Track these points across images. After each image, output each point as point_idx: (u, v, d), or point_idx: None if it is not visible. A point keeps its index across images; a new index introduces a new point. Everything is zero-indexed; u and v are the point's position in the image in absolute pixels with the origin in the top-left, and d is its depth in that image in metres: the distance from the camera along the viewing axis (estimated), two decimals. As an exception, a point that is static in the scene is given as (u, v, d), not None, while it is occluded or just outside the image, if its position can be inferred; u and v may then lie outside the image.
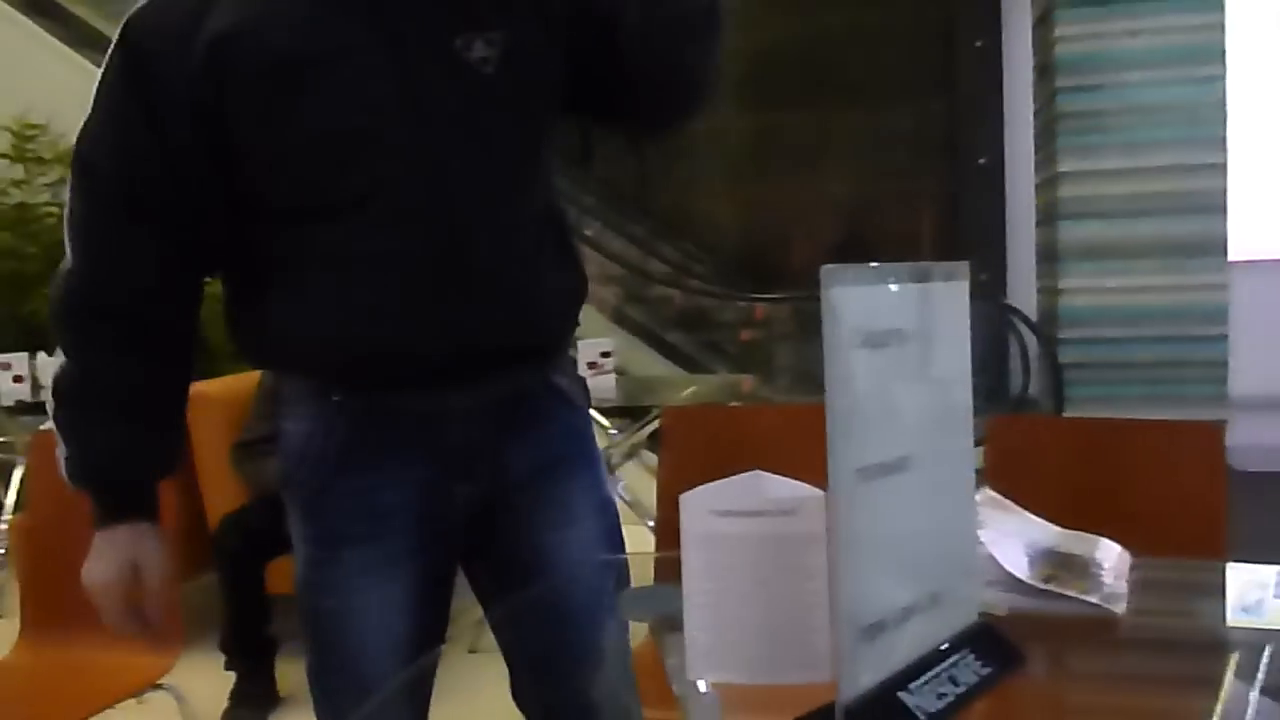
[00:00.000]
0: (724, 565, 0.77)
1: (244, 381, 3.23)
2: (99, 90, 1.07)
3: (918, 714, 0.69)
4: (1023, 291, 5.56)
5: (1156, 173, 4.41)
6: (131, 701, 1.85)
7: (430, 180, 1.05)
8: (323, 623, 1.20)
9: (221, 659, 2.80)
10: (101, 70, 1.07)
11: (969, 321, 0.78)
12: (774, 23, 6.83)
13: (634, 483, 3.04)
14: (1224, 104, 4.38)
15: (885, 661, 0.69)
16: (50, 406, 1.13)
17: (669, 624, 1.04)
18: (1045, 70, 4.74)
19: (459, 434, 1.12)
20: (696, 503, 0.79)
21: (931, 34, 6.66)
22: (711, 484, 0.80)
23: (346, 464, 1.13)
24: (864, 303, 0.67)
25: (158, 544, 1.16)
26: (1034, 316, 4.96)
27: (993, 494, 1.11)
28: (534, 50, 1.11)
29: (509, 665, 1.26)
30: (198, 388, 3.34)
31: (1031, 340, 4.88)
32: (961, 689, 0.72)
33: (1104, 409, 4.27)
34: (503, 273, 1.09)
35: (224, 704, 2.75)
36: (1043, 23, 4.72)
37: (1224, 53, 4.37)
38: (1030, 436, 1.82)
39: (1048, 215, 4.71)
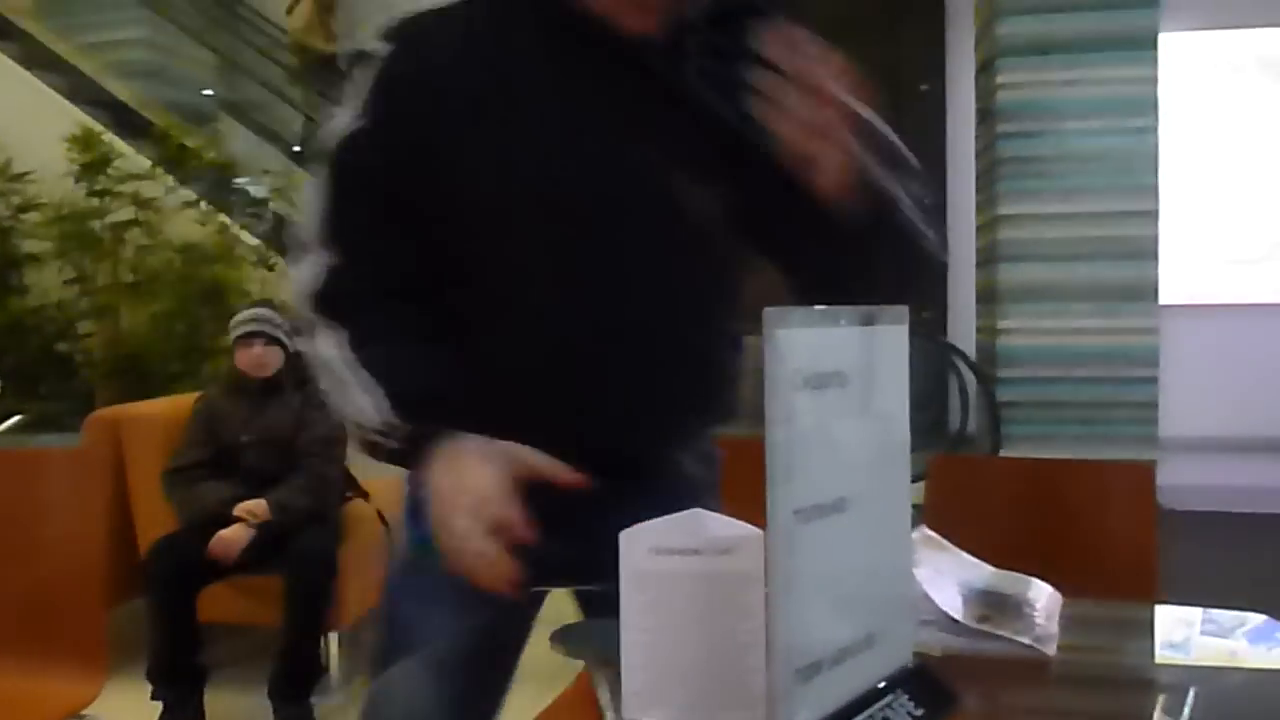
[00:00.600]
0: (662, 603, 0.77)
1: (179, 405, 3.17)
2: (354, 100, 1.08)
3: None
4: (963, 330, 5.66)
5: (1092, 218, 4.53)
6: (53, 733, 1.79)
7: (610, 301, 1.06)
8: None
9: (149, 688, 2.72)
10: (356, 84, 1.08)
11: (908, 364, 0.78)
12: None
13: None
14: (1156, 154, 4.53)
15: (820, 702, 0.69)
16: (338, 361, 1.05)
17: (604, 660, 1.03)
18: (987, 115, 4.86)
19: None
20: (635, 540, 0.79)
21: (878, 76, 6.79)
22: (650, 521, 0.79)
23: None
24: (807, 345, 0.68)
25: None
26: (973, 355, 5.06)
27: (929, 533, 1.13)
28: (748, 202, 1.06)
29: None
30: (131, 409, 3.29)
31: (970, 378, 4.97)
32: None
33: (1039, 447, 4.35)
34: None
35: (150, 734, 2.67)
36: (986, 70, 4.84)
37: (1156, 104, 4.52)
38: (969, 475, 1.84)
39: (988, 256, 4.81)
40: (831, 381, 0.70)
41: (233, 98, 6.13)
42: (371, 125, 1.05)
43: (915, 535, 1.07)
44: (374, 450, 1.05)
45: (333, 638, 2.93)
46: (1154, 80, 4.50)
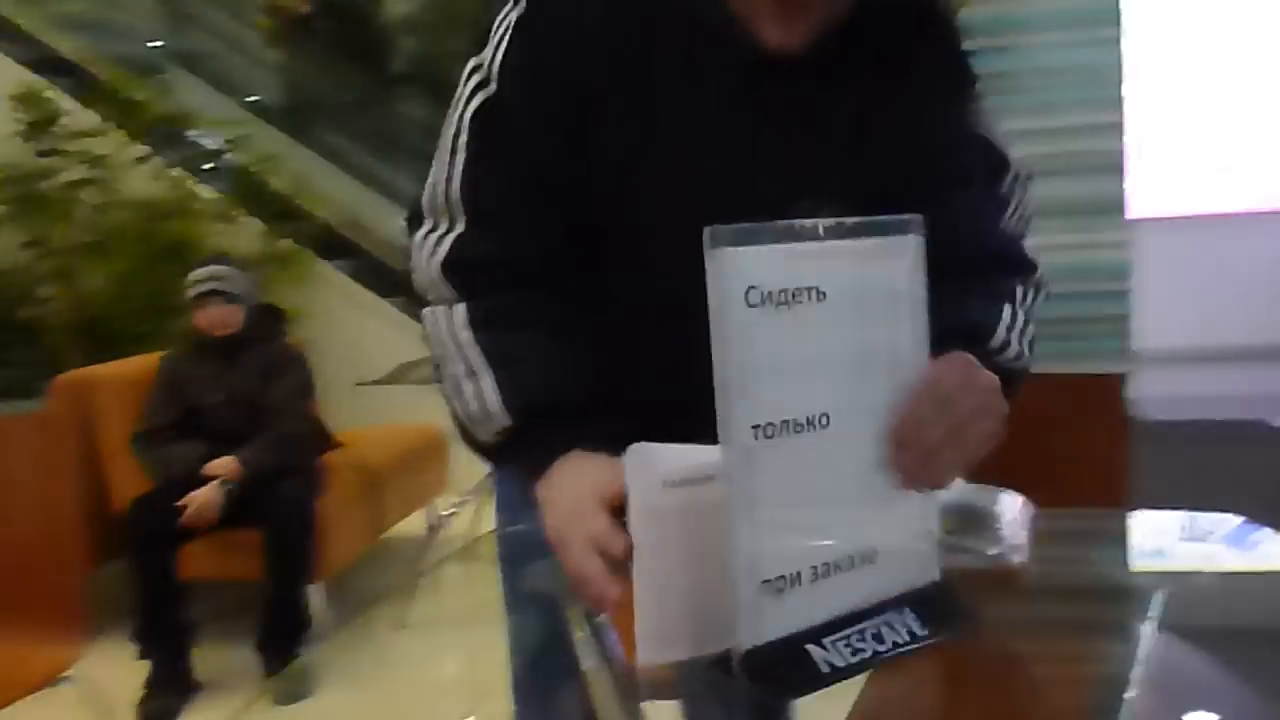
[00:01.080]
0: (674, 539, 0.73)
1: (144, 365, 3.13)
2: (500, 44, 0.98)
3: (821, 666, 0.69)
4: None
5: (1059, 133, 4.49)
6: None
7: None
8: None
9: (135, 648, 2.72)
10: (498, 35, 0.98)
11: (923, 278, 0.75)
12: None
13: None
14: (1121, 65, 4.48)
15: (795, 616, 0.69)
16: (453, 345, 0.96)
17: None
18: (953, 33, 4.79)
19: None
20: (644, 473, 0.74)
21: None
22: (651, 449, 0.75)
23: None
24: (760, 262, 0.67)
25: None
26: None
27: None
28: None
29: None
30: (98, 371, 3.25)
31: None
32: (883, 647, 0.72)
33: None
34: None
35: (139, 694, 2.67)
36: (948, -14, 4.77)
37: (1119, 14, 4.46)
38: None
39: (956, 177, 4.79)
40: (802, 297, 0.68)
41: (182, 48, 5.95)
42: (512, 89, 0.96)
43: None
44: (476, 445, 0.96)
45: (316, 589, 2.93)
46: (1118, -11, 4.43)
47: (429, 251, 0.98)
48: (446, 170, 0.98)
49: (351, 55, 7.15)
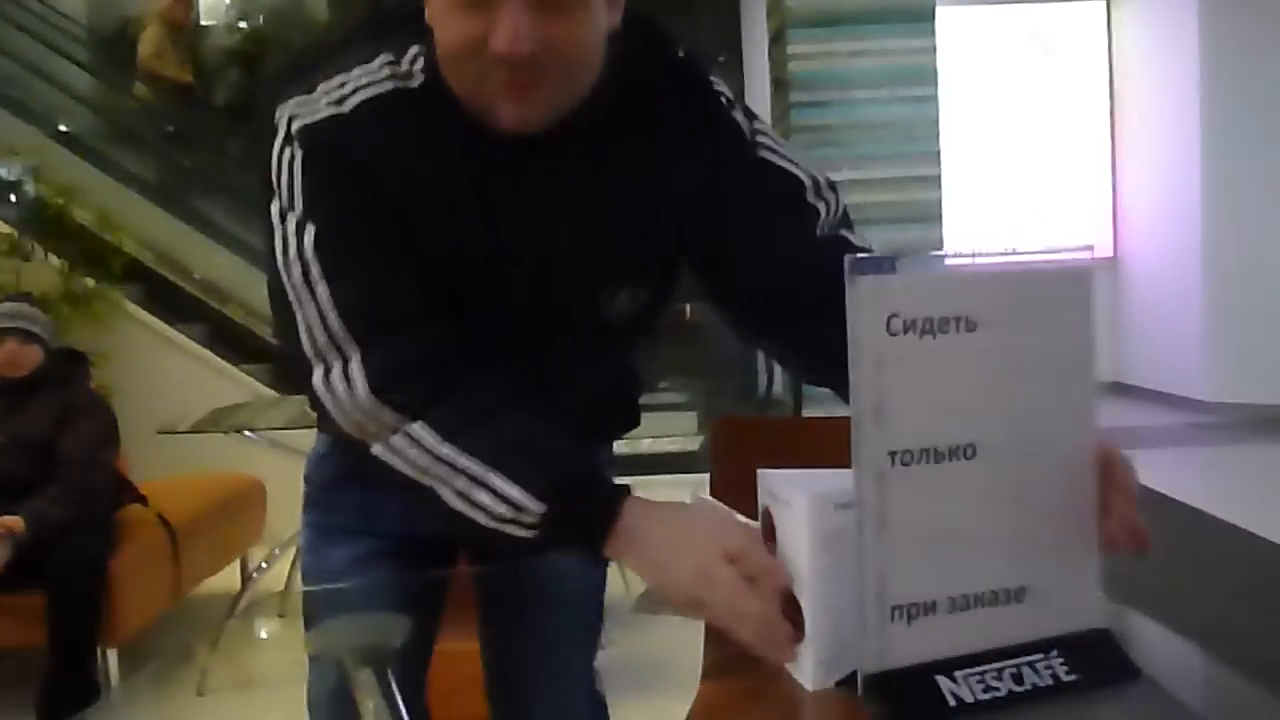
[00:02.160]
0: (842, 563, 0.71)
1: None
2: (300, 197, 1.00)
3: (948, 698, 0.67)
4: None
5: (880, 184, 4.70)
6: None
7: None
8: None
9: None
10: (284, 195, 1.01)
11: (1091, 306, 0.74)
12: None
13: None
14: (937, 121, 4.73)
15: (928, 644, 0.68)
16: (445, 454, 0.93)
17: (367, 657, 0.95)
18: (781, 86, 4.96)
19: None
20: (820, 500, 0.74)
21: (677, 48, 6.85)
22: (808, 475, 0.77)
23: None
24: (902, 290, 0.67)
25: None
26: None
27: (705, 497, 1.09)
28: (667, 297, 1.14)
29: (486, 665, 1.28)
30: None
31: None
32: (1021, 688, 0.69)
33: (837, 407, 4.50)
34: None
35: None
36: (777, 41, 4.94)
37: (936, 75, 4.72)
38: (756, 437, 1.84)
39: (786, 224, 4.93)
40: (949, 327, 0.68)
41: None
42: (337, 212, 0.98)
43: (690, 500, 1.02)
44: (519, 543, 0.91)
45: (108, 655, 2.70)
46: (933, 51, 4.70)
47: (343, 390, 0.95)
48: (315, 310, 0.96)
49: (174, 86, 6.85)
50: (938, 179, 4.74)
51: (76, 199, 4.46)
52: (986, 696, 0.68)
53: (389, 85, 0.98)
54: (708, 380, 5.58)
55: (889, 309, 0.66)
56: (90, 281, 4.22)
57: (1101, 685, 0.73)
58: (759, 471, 0.83)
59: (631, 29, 1.00)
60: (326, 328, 0.96)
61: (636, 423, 1.29)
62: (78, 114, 5.57)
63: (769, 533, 0.82)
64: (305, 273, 0.96)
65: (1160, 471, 4.96)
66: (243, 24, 7.35)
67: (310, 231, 0.96)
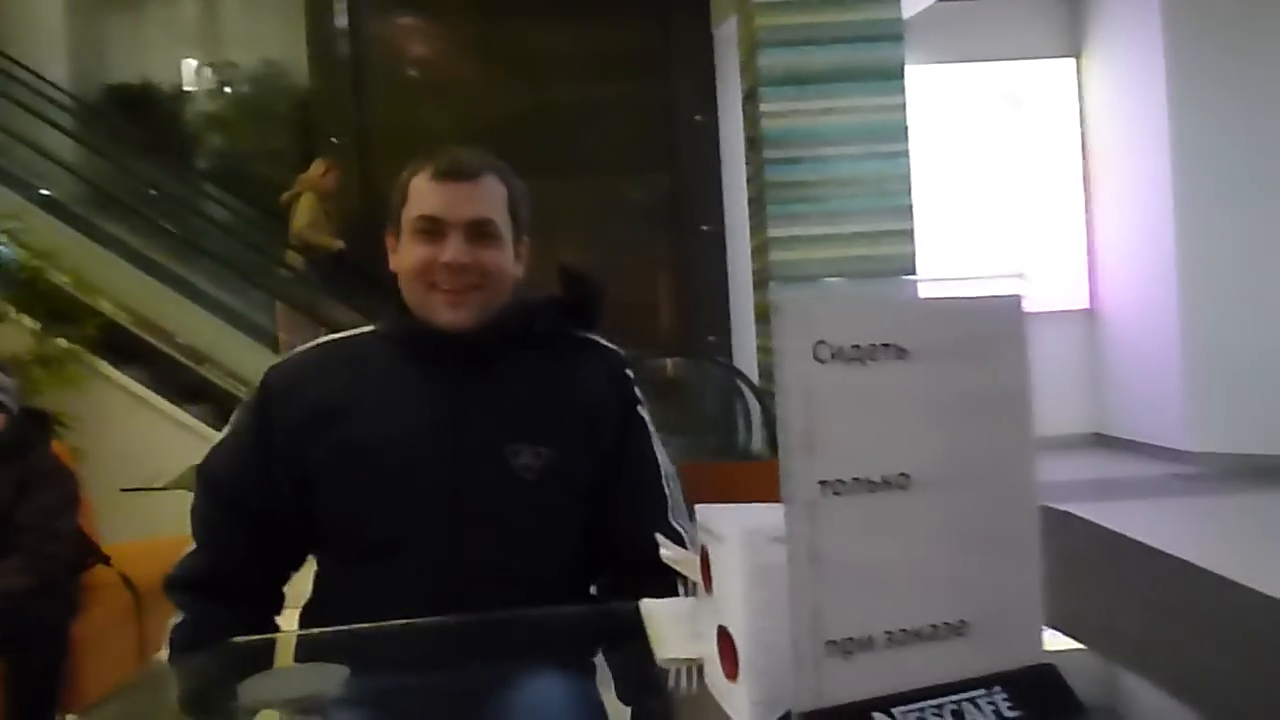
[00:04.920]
0: (779, 598, 0.68)
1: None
2: (235, 415, 1.40)
3: None
4: (748, 350, 5.81)
5: (854, 238, 4.74)
6: None
7: (450, 566, 1.27)
8: None
9: None
10: (240, 405, 1.41)
11: (1027, 338, 0.73)
12: (504, 97, 6.90)
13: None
14: (909, 176, 4.79)
15: (865, 681, 0.66)
16: (167, 653, 1.31)
17: (304, 708, 0.93)
18: (755, 143, 5.02)
19: None
20: (751, 534, 0.74)
21: (654, 110, 6.95)
22: (738, 509, 0.77)
23: None
24: (831, 317, 0.66)
25: None
26: (756, 373, 5.19)
27: (663, 540, 1.07)
28: (574, 467, 1.34)
29: None
30: None
31: (752, 399, 5.09)
32: None
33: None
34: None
35: None
36: (750, 99, 5.01)
37: (907, 131, 4.79)
38: (734, 481, 1.87)
39: (761, 278, 4.96)
40: (878, 355, 0.67)
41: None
42: (234, 442, 1.38)
43: (664, 553, 1.00)
44: None
45: (70, 721, 2.63)
46: (904, 108, 4.77)
47: (177, 563, 1.38)
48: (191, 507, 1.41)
49: (155, 150, 6.91)
50: (911, 233, 4.78)
51: (54, 261, 4.47)
52: None
53: (346, 335, 1.44)
54: (691, 436, 5.57)
55: (816, 335, 0.65)
56: (63, 342, 4.20)
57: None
58: (697, 507, 0.83)
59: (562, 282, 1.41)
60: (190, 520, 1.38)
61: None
62: (60, 179, 5.60)
63: (705, 570, 0.81)
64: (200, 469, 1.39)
65: (1142, 522, 4.94)
66: (227, 90, 7.44)
67: (216, 442, 1.41)
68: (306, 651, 1.23)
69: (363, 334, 1.43)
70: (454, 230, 1.32)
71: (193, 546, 1.38)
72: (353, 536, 1.33)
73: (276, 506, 1.35)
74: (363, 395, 1.35)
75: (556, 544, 1.35)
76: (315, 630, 1.30)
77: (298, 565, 1.43)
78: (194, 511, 1.39)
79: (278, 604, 1.41)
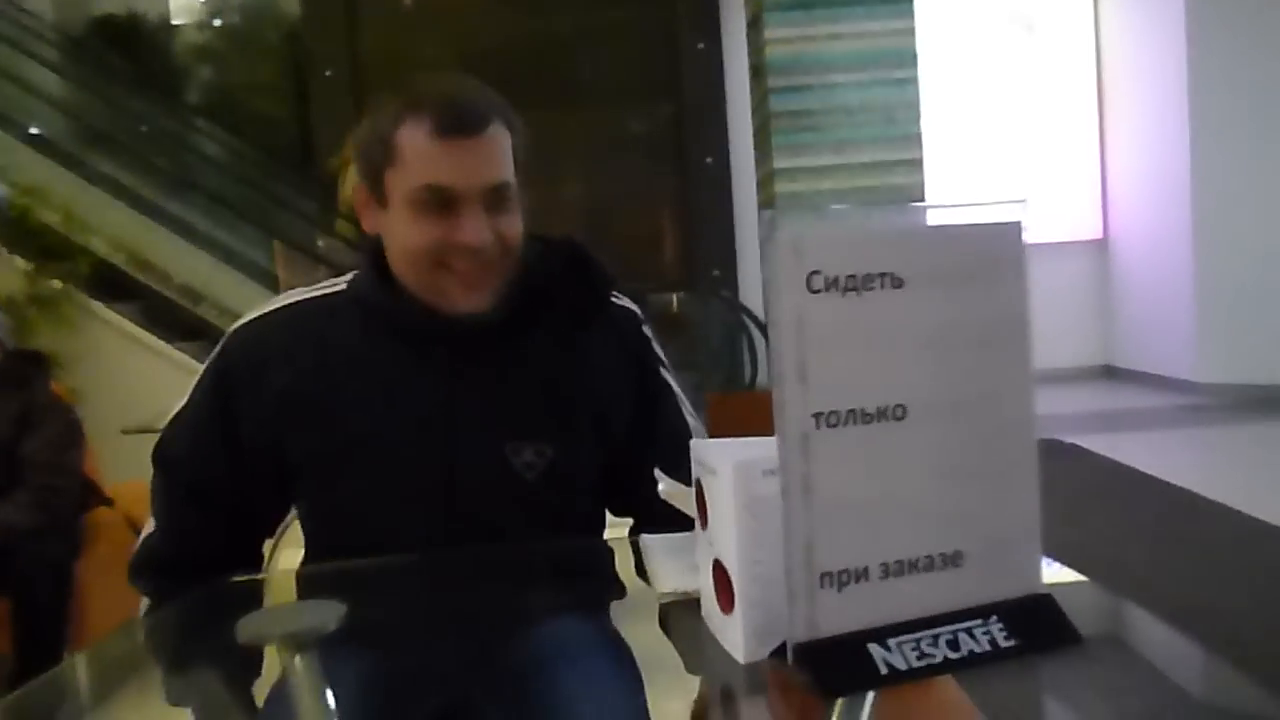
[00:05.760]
0: (772, 530, 0.68)
1: None
2: (194, 388, 1.23)
3: (880, 666, 0.65)
4: (752, 284, 5.75)
5: (861, 168, 4.65)
6: None
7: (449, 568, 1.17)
8: None
9: None
10: (200, 372, 1.24)
11: (1026, 265, 0.71)
12: (501, 25, 6.75)
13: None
14: (918, 103, 4.68)
15: (859, 613, 0.66)
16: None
17: (300, 643, 0.90)
18: (759, 72, 4.90)
19: None
20: (745, 466, 0.74)
21: (655, 37, 6.80)
22: (733, 441, 0.77)
23: None
24: (823, 245, 0.63)
25: None
26: (762, 308, 5.13)
27: (661, 476, 1.04)
28: (578, 464, 1.22)
29: None
30: None
31: (757, 334, 5.05)
32: (957, 654, 0.67)
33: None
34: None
35: None
36: (755, 26, 4.88)
37: (916, 56, 4.67)
38: (746, 410, 2.00)
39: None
40: (874, 284, 0.65)
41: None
42: (193, 422, 1.22)
43: (661, 488, 0.99)
44: None
45: (75, 660, 2.64)
46: (913, 33, 4.65)
47: (138, 545, 1.27)
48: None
49: (143, 85, 6.78)
50: (920, 162, 4.69)
51: (43, 200, 4.39)
52: (921, 664, 0.66)
53: (320, 292, 1.25)
54: (696, 371, 5.54)
55: (810, 265, 0.63)
56: (57, 283, 4.16)
57: (1042, 651, 0.71)
58: (691, 442, 0.83)
59: (554, 245, 1.25)
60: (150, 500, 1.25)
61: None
62: (46, 116, 5.50)
63: (701, 504, 0.81)
64: (157, 449, 1.25)
65: (1152, 453, 4.93)
66: (216, 21, 7.28)
67: (173, 414, 1.24)
68: (306, 588, 1.21)
69: (333, 294, 1.24)
70: (469, 201, 1.12)
71: (151, 527, 1.25)
72: (338, 537, 1.22)
73: (245, 491, 1.23)
74: (341, 383, 1.19)
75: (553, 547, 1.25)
76: (313, 566, 1.25)
77: (272, 532, 1.33)
78: (153, 492, 1.26)
79: (256, 566, 1.31)
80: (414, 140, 1.11)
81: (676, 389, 1.30)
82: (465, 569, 1.16)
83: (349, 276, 1.25)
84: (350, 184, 5.61)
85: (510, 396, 1.20)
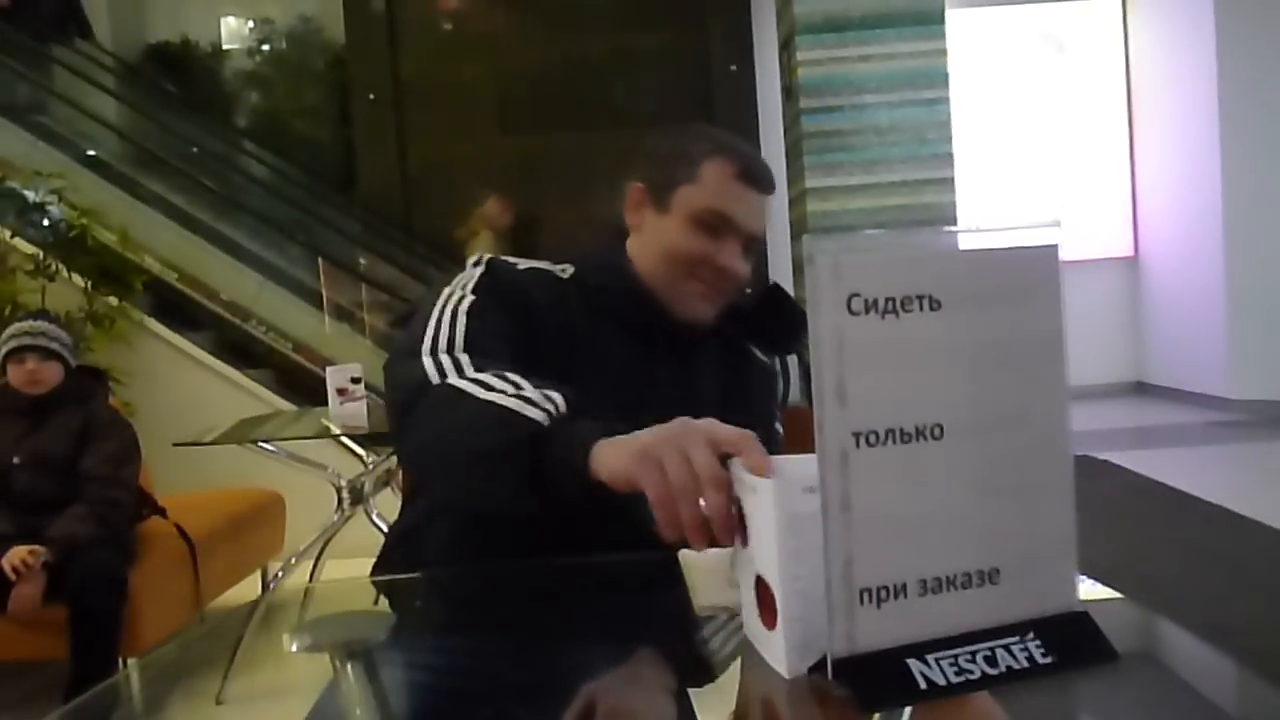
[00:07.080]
0: (813, 546, 0.70)
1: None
2: (448, 299, 1.25)
3: (920, 681, 0.66)
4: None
5: (892, 187, 4.69)
6: None
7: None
8: None
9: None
10: (444, 294, 1.26)
11: (1061, 287, 0.73)
12: (538, 50, 6.86)
13: (387, 510, 2.93)
14: (949, 123, 4.72)
15: (898, 628, 0.67)
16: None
17: (353, 652, 0.95)
18: (790, 92, 4.96)
19: None
20: (787, 481, 0.74)
21: (688, 60, 6.88)
22: (782, 458, 0.78)
23: None
24: (861, 268, 0.66)
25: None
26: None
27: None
28: None
29: None
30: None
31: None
32: (995, 670, 0.68)
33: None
34: None
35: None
36: (786, 48, 4.95)
37: (947, 77, 4.71)
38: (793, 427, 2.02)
39: (799, 229, 4.93)
40: (913, 305, 0.67)
41: (8, 100, 5.68)
42: (489, 299, 1.25)
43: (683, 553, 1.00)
44: (518, 440, 1.00)
45: (129, 666, 2.74)
46: (944, 53, 4.68)
47: (454, 375, 1.17)
48: (449, 331, 1.22)
49: (195, 108, 6.96)
50: (951, 181, 4.73)
51: (99, 220, 4.54)
52: (959, 680, 0.67)
53: (545, 266, 1.36)
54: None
55: (849, 288, 0.66)
56: (113, 300, 4.29)
57: (1078, 667, 0.71)
58: (729, 461, 0.83)
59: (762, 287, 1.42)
60: (452, 342, 1.19)
61: None
62: (104, 138, 5.68)
63: (741, 523, 0.82)
64: (454, 319, 1.22)
65: (1184, 469, 4.90)
66: (265, 47, 7.46)
67: (469, 300, 1.24)
68: (360, 597, 1.23)
69: (559, 271, 1.36)
70: (736, 237, 1.31)
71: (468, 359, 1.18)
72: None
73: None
74: (576, 350, 1.28)
75: None
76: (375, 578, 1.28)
77: None
78: (470, 338, 1.20)
79: None
80: (719, 173, 1.31)
81: (781, 440, 1.44)
82: (527, 581, 1.17)
83: (562, 266, 1.37)
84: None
85: (698, 403, 1.19)
